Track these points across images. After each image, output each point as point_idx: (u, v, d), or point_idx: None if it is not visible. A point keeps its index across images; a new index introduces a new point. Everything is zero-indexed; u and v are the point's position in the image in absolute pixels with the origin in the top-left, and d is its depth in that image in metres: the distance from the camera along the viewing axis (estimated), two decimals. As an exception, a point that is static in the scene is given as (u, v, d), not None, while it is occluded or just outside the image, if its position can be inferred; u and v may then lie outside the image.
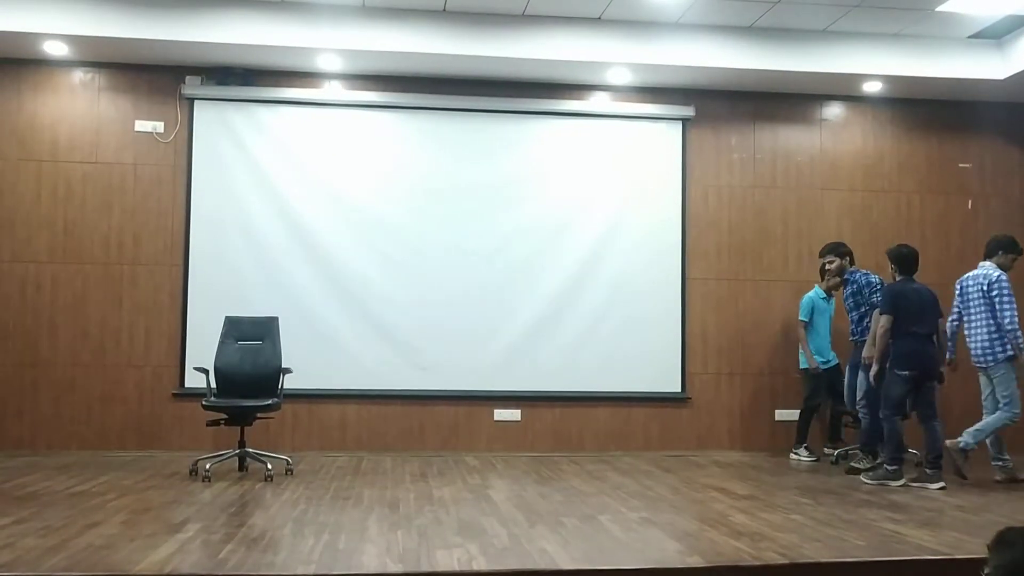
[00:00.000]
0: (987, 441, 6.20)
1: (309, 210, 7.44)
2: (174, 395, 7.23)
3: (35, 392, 7.14)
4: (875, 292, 6.66)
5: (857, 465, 6.51)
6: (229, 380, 6.32)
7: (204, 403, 6.10)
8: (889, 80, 7.60)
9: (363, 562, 3.82)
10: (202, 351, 6.74)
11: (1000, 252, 6.35)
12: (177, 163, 7.37)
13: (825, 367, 7.31)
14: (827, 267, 7.04)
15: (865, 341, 6.59)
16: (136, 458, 6.87)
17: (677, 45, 7.23)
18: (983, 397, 6.27)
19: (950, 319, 6.50)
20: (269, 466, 6.01)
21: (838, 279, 7.04)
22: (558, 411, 7.60)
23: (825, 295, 7.39)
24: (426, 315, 7.45)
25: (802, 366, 7.44)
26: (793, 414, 7.67)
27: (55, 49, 7.03)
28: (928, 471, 5.98)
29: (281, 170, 7.44)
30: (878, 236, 7.95)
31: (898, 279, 6.29)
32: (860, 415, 6.65)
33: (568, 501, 5.34)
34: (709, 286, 7.81)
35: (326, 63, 7.30)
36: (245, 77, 7.39)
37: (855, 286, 6.80)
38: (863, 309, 6.74)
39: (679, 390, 7.71)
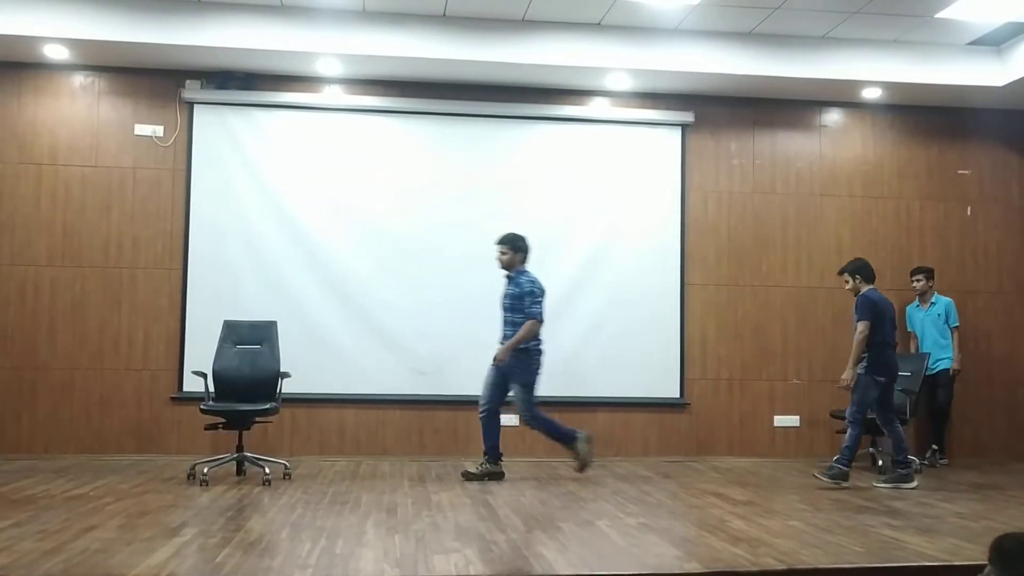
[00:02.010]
0: None
1: (308, 214, 7.44)
2: (172, 399, 7.22)
3: (33, 395, 7.13)
4: (536, 303, 6.28)
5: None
6: (227, 384, 6.32)
7: (202, 407, 6.09)
8: (888, 87, 7.61)
9: (360, 567, 3.82)
10: (201, 355, 6.73)
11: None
12: (176, 167, 7.38)
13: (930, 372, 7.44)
14: (499, 257, 6.47)
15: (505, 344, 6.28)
16: (134, 462, 6.86)
17: (677, 51, 7.24)
18: None
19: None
20: (267, 470, 6.01)
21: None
22: (556, 416, 7.55)
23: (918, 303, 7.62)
24: (425, 320, 7.44)
25: (947, 367, 7.47)
26: (792, 420, 7.70)
27: (55, 53, 7.04)
28: (901, 471, 6.24)
29: (280, 174, 7.44)
30: (878, 242, 7.96)
31: (865, 288, 6.43)
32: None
33: (566, 506, 5.34)
34: (708, 292, 7.81)
35: (326, 67, 7.31)
36: (245, 81, 7.39)
37: (519, 289, 6.33)
38: (518, 316, 6.30)
39: (678, 395, 7.70)
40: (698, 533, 4.63)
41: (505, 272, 6.49)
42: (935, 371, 7.46)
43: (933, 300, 7.59)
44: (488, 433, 6.43)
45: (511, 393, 6.37)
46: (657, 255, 7.75)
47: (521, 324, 6.28)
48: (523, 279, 6.39)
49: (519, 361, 6.30)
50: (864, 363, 6.28)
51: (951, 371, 7.47)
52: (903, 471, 6.26)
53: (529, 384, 6.34)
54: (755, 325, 7.84)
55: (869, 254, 7.79)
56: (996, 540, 2.31)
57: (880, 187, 8.07)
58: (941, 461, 7.36)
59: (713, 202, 7.88)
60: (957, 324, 7.54)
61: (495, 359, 6.33)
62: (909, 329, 7.71)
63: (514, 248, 6.46)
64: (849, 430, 6.25)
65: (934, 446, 7.42)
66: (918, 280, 7.60)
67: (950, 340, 7.50)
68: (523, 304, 6.32)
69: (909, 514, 5.23)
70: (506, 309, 6.44)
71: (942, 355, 7.47)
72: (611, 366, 7.60)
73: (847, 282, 6.53)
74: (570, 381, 7.55)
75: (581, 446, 6.34)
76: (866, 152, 8.08)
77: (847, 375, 6.28)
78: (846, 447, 6.20)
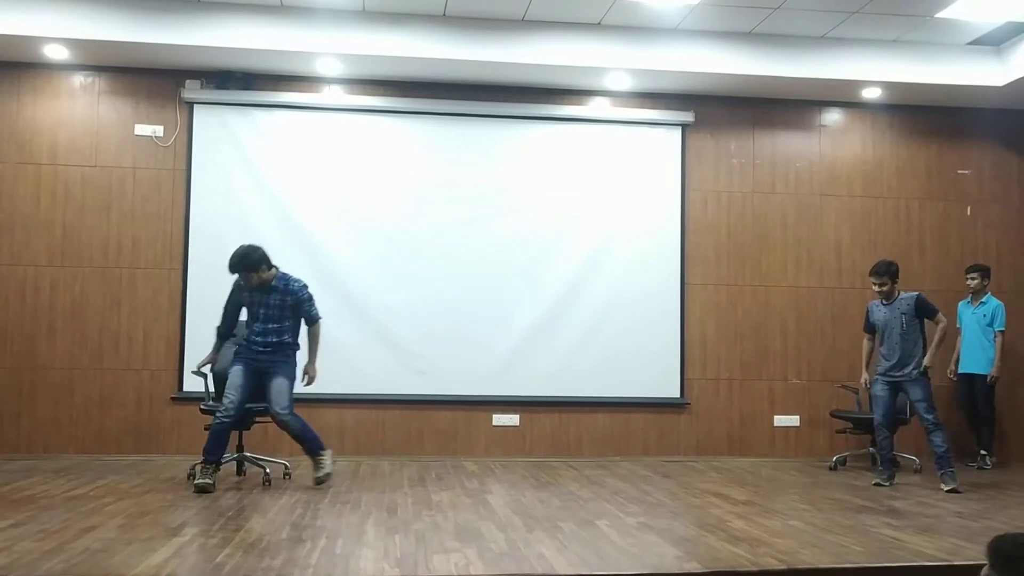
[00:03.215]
0: None
1: (308, 214, 7.44)
2: (172, 399, 7.22)
3: (33, 395, 7.13)
4: (314, 305, 6.00)
5: None
6: (228, 384, 6.31)
7: (202, 407, 6.10)
8: (888, 86, 7.61)
9: (360, 567, 3.82)
10: (201, 355, 6.66)
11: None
12: (176, 167, 7.38)
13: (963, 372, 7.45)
14: (250, 282, 5.93)
15: (287, 347, 5.92)
16: (134, 462, 6.86)
17: (676, 50, 7.24)
18: None
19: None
20: (267, 470, 6.01)
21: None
22: (556, 416, 7.59)
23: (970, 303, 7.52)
24: (425, 320, 7.44)
25: (983, 371, 7.35)
26: (792, 420, 7.71)
27: (55, 53, 7.03)
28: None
29: (280, 174, 7.44)
30: (877, 242, 7.96)
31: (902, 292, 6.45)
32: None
33: (566, 506, 5.34)
34: (708, 292, 7.81)
35: (326, 67, 7.31)
36: (245, 81, 7.39)
37: (294, 296, 5.92)
38: (287, 323, 5.94)
39: (678, 395, 7.70)
40: (698, 533, 4.64)
41: (271, 284, 5.94)
42: (970, 372, 7.39)
43: (983, 300, 7.43)
44: (221, 441, 5.71)
45: (275, 390, 5.81)
46: (657, 255, 7.75)
47: (291, 329, 5.95)
48: (293, 284, 5.95)
49: (290, 357, 5.95)
50: (924, 363, 6.25)
51: (988, 378, 7.32)
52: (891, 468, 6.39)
53: (294, 378, 5.97)
54: (755, 325, 7.84)
55: (869, 254, 7.81)
56: (994, 541, 2.31)
57: (880, 187, 8.07)
58: (985, 465, 7.27)
59: (713, 202, 7.89)
60: (1003, 328, 7.34)
61: (307, 374, 5.99)
62: (958, 325, 7.56)
63: (253, 267, 5.83)
64: (941, 433, 6.16)
65: (982, 451, 7.35)
66: (972, 278, 7.45)
67: (992, 343, 7.34)
68: (298, 311, 5.96)
69: (909, 514, 5.23)
70: (271, 320, 5.90)
71: (978, 357, 7.34)
72: (611, 366, 7.60)
73: (884, 285, 6.36)
74: (570, 381, 7.56)
75: (327, 459, 5.91)
76: (866, 152, 8.08)
77: (928, 362, 6.27)
78: (947, 450, 6.14)
